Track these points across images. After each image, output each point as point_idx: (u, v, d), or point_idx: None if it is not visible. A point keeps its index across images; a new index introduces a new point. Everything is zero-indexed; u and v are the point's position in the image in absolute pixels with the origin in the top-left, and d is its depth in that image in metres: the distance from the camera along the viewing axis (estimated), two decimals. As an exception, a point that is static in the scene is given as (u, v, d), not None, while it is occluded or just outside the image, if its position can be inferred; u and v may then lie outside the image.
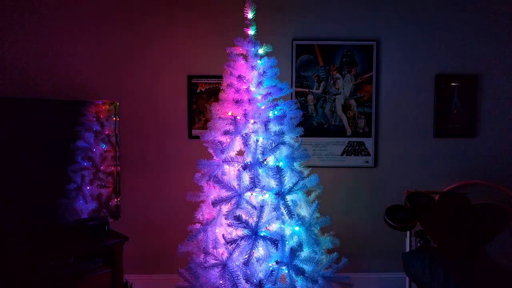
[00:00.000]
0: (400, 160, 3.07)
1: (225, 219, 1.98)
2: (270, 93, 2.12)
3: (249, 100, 2.07)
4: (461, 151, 3.06)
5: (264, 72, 2.13)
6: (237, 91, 2.11)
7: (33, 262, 2.20)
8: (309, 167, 2.20)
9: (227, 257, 1.95)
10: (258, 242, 1.90)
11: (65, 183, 2.48)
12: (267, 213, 1.96)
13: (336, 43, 3.00)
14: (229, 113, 2.14)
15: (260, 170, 2.00)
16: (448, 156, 3.06)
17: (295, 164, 2.10)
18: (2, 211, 2.26)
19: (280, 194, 1.96)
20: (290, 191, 1.99)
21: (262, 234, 1.91)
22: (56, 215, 2.45)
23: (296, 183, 2.01)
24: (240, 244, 1.91)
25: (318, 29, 3.01)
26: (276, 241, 1.88)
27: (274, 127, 2.08)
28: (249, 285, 1.92)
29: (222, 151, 2.06)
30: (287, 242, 1.97)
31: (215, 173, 2.06)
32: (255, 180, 1.95)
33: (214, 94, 2.97)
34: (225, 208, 2.00)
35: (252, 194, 2.02)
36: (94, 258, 2.40)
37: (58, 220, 2.45)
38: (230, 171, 2.08)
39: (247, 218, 1.93)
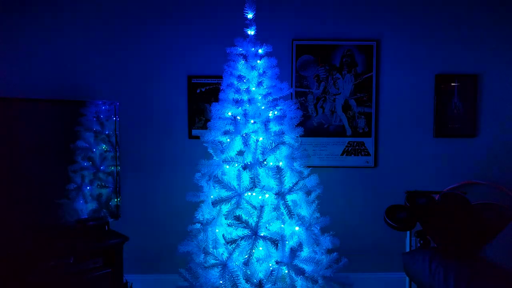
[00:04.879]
0: (400, 160, 3.07)
1: (225, 219, 1.98)
2: (270, 93, 2.12)
3: (249, 100, 2.07)
4: (461, 151, 3.06)
5: (264, 72, 2.13)
6: (237, 91, 2.10)
7: (33, 262, 2.20)
8: (309, 167, 2.19)
9: (227, 257, 1.95)
10: (258, 242, 1.90)
11: (65, 183, 2.47)
12: (267, 213, 1.96)
13: (336, 43, 3.00)
14: (229, 113, 2.14)
15: (260, 170, 2.00)
16: (448, 156, 3.06)
17: (295, 164, 2.10)
18: (2, 211, 2.26)
19: (280, 194, 1.96)
20: (290, 191, 1.99)
21: (262, 234, 1.91)
22: (56, 215, 2.45)
23: (296, 183, 2.01)
24: (240, 244, 1.91)
25: (318, 29, 3.01)
26: (276, 241, 1.88)
27: (274, 127, 2.08)
28: (249, 285, 1.92)
29: (222, 151, 2.06)
30: (287, 242, 1.97)
31: (215, 173, 2.06)
32: (255, 180, 1.95)
33: (214, 94, 2.97)
34: (225, 208, 2.00)
35: (252, 194, 2.02)
36: (94, 258, 2.40)
37: (58, 220, 2.45)
38: (230, 171, 2.08)
39: (247, 218, 1.93)
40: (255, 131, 2.07)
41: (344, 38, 3.01)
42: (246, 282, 1.91)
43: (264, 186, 1.99)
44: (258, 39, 2.17)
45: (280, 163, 2.04)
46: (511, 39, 3.02)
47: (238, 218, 1.90)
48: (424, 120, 3.06)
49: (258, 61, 2.16)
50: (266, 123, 2.03)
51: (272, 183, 2.00)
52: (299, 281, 1.95)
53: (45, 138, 2.42)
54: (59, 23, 2.90)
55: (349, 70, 3.02)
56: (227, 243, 1.93)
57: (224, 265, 1.93)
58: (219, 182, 1.97)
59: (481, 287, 2.05)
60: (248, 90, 2.10)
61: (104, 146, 2.62)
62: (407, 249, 2.78)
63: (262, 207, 1.94)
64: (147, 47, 2.97)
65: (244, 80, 2.10)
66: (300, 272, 1.89)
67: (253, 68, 2.12)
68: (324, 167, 3.04)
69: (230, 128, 2.06)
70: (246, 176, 1.99)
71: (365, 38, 3.01)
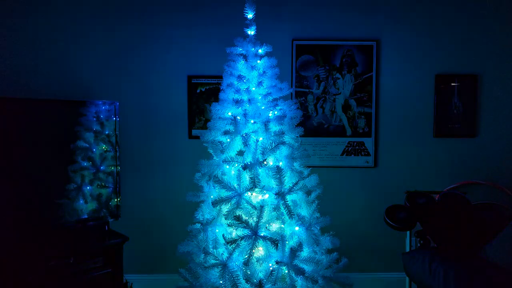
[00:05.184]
0: (400, 160, 3.06)
1: (225, 219, 1.98)
2: (270, 93, 2.12)
3: (249, 100, 2.07)
4: (461, 151, 3.06)
5: (264, 72, 2.13)
6: (237, 91, 2.11)
7: (33, 262, 2.20)
8: (309, 167, 2.19)
9: (227, 257, 1.95)
10: (258, 242, 1.90)
11: (65, 183, 2.48)
12: (267, 213, 1.96)
13: (336, 43, 3.00)
14: (229, 113, 2.14)
15: (260, 170, 2.00)
16: (448, 156, 3.06)
17: (295, 164, 2.10)
18: (2, 211, 2.26)
19: (280, 194, 1.95)
20: (290, 191, 1.99)
21: (262, 234, 1.91)
22: (56, 215, 2.45)
23: (296, 183, 2.01)
24: (240, 244, 1.91)
25: (318, 29, 3.01)
26: (276, 241, 1.88)
27: (274, 127, 2.08)
28: (249, 285, 1.92)
29: (222, 151, 2.06)
30: (287, 242, 1.97)
31: (215, 173, 2.06)
32: (255, 180, 1.95)
33: (214, 94, 2.97)
34: (225, 208, 2.00)
35: (252, 194, 2.02)
36: (94, 258, 2.40)
37: (58, 220, 2.45)
38: (230, 171, 2.08)
39: (247, 218, 1.93)
40: (255, 131, 2.07)
41: (344, 38, 3.01)
42: (246, 282, 1.91)
43: (264, 186, 1.99)
44: (258, 39, 2.17)
45: (280, 163, 2.04)
46: (510, 39, 3.02)
47: (238, 218, 1.90)
48: (424, 120, 3.06)
49: (258, 61, 2.16)
50: (266, 123, 2.03)
51: (272, 183, 2.00)
52: (299, 281, 1.95)
53: (45, 138, 2.42)
54: (60, 24, 2.90)
55: (349, 70, 3.02)
56: (227, 243, 1.93)
57: (224, 265, 1.93)
58: (219, 182, 1.97)
59: (481, 287, 2.06)
60: (248, 90, 2.10)
61: (104, 146, 2.62)
62: (407, 249, 2.78)
63: (262, 207, 1.94)
64: (147, 47, 2.97)
65: (244, 80, 2.10)
66: (300, 272, 1.89)
67: (253, 68, 2.12)
68: (324, 167, 3.04)
69: (230, 128, 2.06)
70: (246, 176, 1.99)
71: (365, 38, 3.01)
